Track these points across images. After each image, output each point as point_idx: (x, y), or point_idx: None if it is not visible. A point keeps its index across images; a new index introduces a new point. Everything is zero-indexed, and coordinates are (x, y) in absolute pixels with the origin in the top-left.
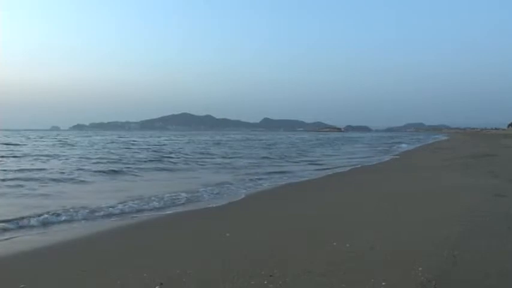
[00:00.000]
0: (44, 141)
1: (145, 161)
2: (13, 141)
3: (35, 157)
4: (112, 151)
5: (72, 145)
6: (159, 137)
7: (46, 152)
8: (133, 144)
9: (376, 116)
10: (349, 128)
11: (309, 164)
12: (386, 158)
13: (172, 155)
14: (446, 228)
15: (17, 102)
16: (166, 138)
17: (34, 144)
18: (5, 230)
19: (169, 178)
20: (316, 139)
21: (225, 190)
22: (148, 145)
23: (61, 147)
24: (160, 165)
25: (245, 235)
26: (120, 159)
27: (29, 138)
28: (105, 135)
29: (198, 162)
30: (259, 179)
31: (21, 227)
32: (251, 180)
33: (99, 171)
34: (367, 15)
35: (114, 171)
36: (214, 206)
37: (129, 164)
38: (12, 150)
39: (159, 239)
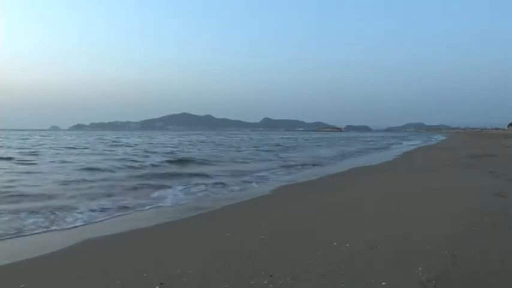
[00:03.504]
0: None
1: None
2: None
3: None
4: None
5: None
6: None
7: None
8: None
9: (376, 116)
10: (350, 128)
11: None
12: (387, 158)
13: None
14: (446, 228)
15: (17, 102)
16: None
17: None
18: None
19: None
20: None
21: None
22: None
23: None
24: None
25: (245, 235)
26: None
27: None
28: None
29: None
30: None
31: None
32: None
33: None
34: (367, 14)
35: None
36: (214, 206)
37: None
38: None
39: (158, 239)
